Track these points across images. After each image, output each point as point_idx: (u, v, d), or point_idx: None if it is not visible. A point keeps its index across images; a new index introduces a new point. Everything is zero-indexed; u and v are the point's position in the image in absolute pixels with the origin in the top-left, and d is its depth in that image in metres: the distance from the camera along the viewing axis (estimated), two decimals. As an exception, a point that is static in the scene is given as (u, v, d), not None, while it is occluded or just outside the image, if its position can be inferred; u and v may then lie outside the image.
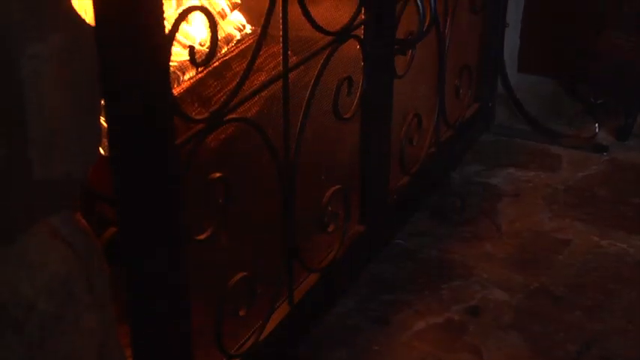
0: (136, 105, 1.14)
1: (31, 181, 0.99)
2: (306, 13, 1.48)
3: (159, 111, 1.17)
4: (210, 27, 1.19)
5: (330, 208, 1.70)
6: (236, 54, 1.82)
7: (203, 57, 1.23)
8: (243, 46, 1.84)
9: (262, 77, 1.67)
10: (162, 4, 1.11)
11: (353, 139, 1.88)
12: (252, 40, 1.83)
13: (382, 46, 1.74)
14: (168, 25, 1.14)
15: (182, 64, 1.64)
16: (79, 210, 1.11)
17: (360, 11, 1.65)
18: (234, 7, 1.88)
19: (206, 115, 1.29)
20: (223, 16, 1.86)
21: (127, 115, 1.14)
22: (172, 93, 1.22)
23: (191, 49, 1.20)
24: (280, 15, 1.44)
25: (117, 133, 1.15)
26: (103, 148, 1.19)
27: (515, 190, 2.31)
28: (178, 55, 1.62)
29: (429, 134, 2.18)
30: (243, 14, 1.89)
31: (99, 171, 1.15)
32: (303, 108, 1.57)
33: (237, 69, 1.76)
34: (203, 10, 1.19)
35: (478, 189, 2.32)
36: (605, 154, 2.47)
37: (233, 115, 1.36)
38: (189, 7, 1.17)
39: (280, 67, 1.51)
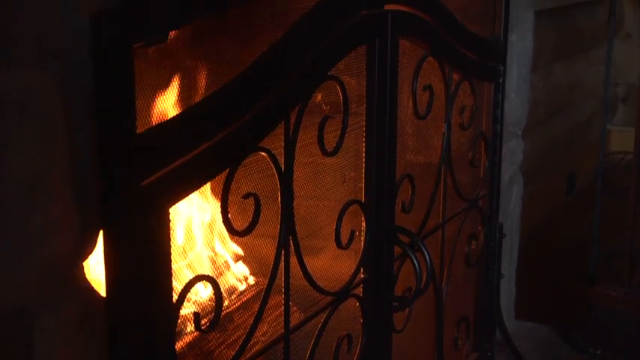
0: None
1: None
2: (307, 275, 1.53)
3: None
4: (216, 295, 1.24)
5: None
6: (238, 306, 1.85)
7: (208, 323, 1.26)
8: (245, 299, 1.87)
9: (264, 328, 1.69)
10: (171, 276, 1.17)
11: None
12: (254, 292, 1.87)
13: (381, 304, 1.77)
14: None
15: (184, 316, 1.67)
16: None
17: (359, 271, 1.71)
18: (237, 258, 1.93)
19: (208, 381, 1.31)
20: (227, 267, 1.91)
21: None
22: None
23: (196, 315, 1.24)
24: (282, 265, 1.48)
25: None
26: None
27: None
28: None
29: (429, 386, 2.16)
30: (246, 263, 1.94)
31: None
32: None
33: (239, 321, 1.78)
34: (209, 279, 1.24)
35: None
36: (608, 405, 2.45)
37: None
38: (197, 277, 1.22)
39: (281, 319, 1.54)
